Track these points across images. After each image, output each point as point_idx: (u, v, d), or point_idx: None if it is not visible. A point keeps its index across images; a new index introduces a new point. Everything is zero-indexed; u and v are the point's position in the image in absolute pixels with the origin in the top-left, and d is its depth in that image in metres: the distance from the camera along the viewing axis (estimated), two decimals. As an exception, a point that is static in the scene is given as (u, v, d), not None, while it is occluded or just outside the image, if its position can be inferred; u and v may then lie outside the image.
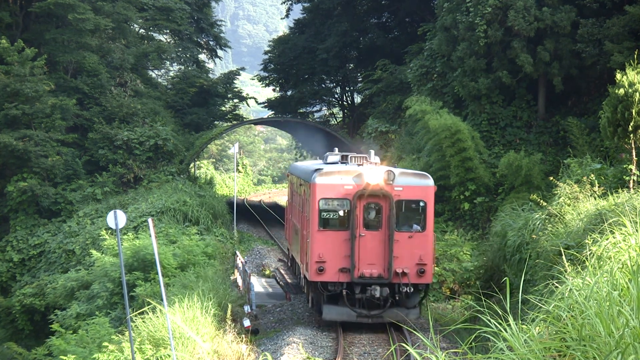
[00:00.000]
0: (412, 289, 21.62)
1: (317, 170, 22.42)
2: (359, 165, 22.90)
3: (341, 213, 21.90)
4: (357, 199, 21.57)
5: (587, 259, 10.15)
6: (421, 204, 21.79)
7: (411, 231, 21.72)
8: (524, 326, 7.37)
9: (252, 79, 77.89)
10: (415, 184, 21.82)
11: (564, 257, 11.51)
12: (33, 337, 38.81)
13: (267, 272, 34.96)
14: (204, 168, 73.63)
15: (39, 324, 38.99)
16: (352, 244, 21.62)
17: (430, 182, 21.98)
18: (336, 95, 63.61)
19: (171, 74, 65.16)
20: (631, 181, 19.71)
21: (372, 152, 23.25)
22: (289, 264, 34.03)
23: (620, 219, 11.48)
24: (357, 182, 21.62)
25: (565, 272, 10.73)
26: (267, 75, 64.20)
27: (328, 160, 26.27)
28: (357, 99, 62.68)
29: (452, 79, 39.78)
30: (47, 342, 28.40)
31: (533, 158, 34.03)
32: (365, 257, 21.69)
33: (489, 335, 7.24)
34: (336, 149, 29.82)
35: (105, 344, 19.66)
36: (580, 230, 15.96)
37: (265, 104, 67.30)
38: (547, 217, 19.52)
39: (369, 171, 21.66)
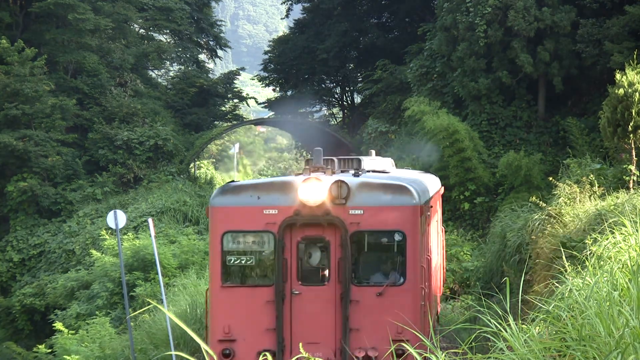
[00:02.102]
0: None
1: (225, 184, 14.23)
2: (296, 175, 14.42)
3: (260, 256, 13.67)
4: (287, 232, 13.37)
5: (587, 259, 10.17)
6: (397, 237, 13.39)
7: (381, 284, 13.30)
8: (524, 326, 7.38)
9: (252, 79, 77.85)
10: (386, 202, 13.31)
11: (564, 257, 11.53)
12: (33, 337, 38.83)
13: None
14: (204, 168, 73.65)
15: (39, 324, 39.01)
16: (278, 309, 13.29)
17: (411, 198, 13.45)
18: (336, 95, 63.58)
19: (171, 74, 65.14)
20: (631, 181, 19.72)
21: (320, 149, 14.79)
22: None
23: (620, 219, 11.50)
24: (286, 203, 13.36)
25: (565, 271, 10.75)
26: (267, 75, 64.17)
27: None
28: (357, 99, 62.65)
29: (452, 79, 39.78)
30: (47, 341, 28.44)
31: (533, 158, 34.04)
32: (303, 330, 13.39)
33: (489, 335, 7.25)
34: (373, 152, 21.54)
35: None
36: (580, 230, 15.98)
37: (265, 104, 67.28)
38: (546, 217, 19.54)
39: (307, 184, 13.26)
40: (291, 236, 13.47)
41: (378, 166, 17.85)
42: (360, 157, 17.14)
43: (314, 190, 13.27)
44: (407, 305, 13.21)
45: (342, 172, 15.35)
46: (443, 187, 24.71)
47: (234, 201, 13.56)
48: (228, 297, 13.45)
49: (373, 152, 21.41)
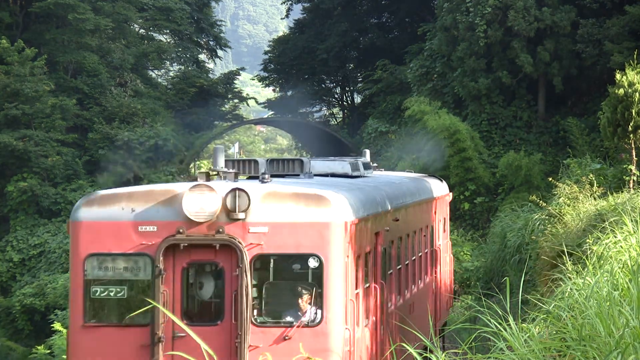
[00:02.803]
0: None
1: (91, 192, 12.03)
2: (191, 180, 11.71)
3: (134, 286, 10.81)
4: (168, 255, 10.58)
5: (587, 258, 10.17)
6: (312, 263, 10.52)
7: (290, 324, 10.49)
8: (524, 325, 7.38)
9: (252, 79, 77.91)
10: (298, 217, 10.55)
11: (565, 256, 11.51)
12: (33, 337, 38.82)
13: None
14: (204, 168, 73.65)
15: (39, 324, 39.00)
16: (155, 357, 10.49)
17: (332, 212, 10.63)
18: (336, 95, 63.59)
19: (171, 74, 65.09)
20: (631, 181, 19.72)
21: (221, 147, 11.98)
22: None
23: (621, 218, 11.51)
24: (168, 218, 10.62)
25: (567, 270, 10.75)
26: (267, 75, 64.21)
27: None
28: (357, 99, 62.67)
29: (452, 79, 39.78)
30: (47, 342, 28.42)
31: (533, 158, 34.09)
32: None
33: (489, 335, 7.25)
34: (367, 152, 19.55)
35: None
36: (580, 230, 15.97)
37: (265, 104, 67.33)
38: (547, 217, 19.53)
39: (194, 193, 10.50)
40: (174, 261, 10.58)
41: (337, 168, 14.93)
42: (304, 158, 14.04)
43: (202, 201, 10.39)
44: (323, 351, 10.31)
45: (273, 176, 12.43)
46: (450, 194, 22.30)
47: (101, 214, 10.71)
48: (92, 339, 10.58)
49: (367, 151, 19.85)
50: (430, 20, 46.51)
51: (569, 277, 9.63)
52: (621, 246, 10.12)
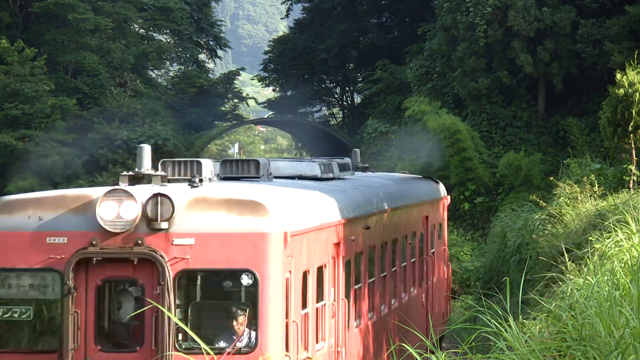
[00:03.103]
0: None
1: None
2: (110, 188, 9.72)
3: (41, 307, 9.50)
4: (79, 270, 9.28)
5: (588, 258, 10.17)
6: (244, 280, 9.19)
7: (220, 351, 9.06)
8: (525, 321, 7.38)
9: (252, 79, 77.95)
10: (230, 227, 9.18)
11: (566, 256, 11.50)
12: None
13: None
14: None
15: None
16: None
17: (269, 221, 9.23)
18: (336, 95, 63.61)
19: (171, 74, 65.11)
20: (631, 181, 19.72)
21: (146, 146, 11.10)
22: None
23: (623, 217, 11.50)
24: (81, 228, 9.31)
25: (567, 270, 10.75)
26: (267, 75, 64.25)
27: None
28: (357, 99, 62.69)
29: (452, 79, 39.80)
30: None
31: (533, 158, 34.13)
32: None
33: (489, 335, 7.24)
34: (357, 151, 18.36)
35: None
36: (581, 230, 15.96)
37: (265, 104, 67.39)
38: (547, 217, 19.54)
39: (109, 200, 9.26)
40: (87, 277, 9.28)
41: (305, 170, 13.48)
42: (261, 159, 12.42)
43: (119, 208, 9.15)
44: None
45: (227, 179, 11.22)
46: (448, 197, 20.77)
47: (4, 224, 9.40)
48: None
49: (357, 151, 18.55)
50: (430, 20, 46.52)
51: (569, 277, 9.63)
52: (622, 245, 10.12)
